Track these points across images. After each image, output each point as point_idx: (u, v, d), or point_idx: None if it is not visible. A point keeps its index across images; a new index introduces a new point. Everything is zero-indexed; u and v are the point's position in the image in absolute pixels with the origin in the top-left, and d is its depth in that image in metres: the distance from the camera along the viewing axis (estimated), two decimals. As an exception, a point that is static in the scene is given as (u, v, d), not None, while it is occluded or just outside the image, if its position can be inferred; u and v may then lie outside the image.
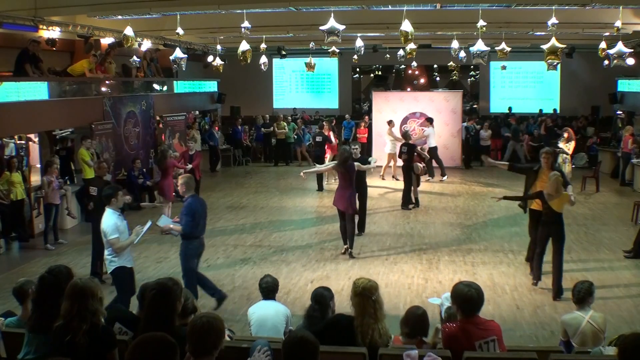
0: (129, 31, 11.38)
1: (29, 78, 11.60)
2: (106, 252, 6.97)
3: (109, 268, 7.01)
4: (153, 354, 3.15)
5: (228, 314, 7.45)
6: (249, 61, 12.35)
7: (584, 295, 5.29)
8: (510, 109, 23.59)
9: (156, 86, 17.39)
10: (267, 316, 5.48)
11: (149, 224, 7.11)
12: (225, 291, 8.50)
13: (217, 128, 20.18)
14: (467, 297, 4.23)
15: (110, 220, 6.83)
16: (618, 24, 11.05)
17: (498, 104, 24.25)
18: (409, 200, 13.66)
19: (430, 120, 17.58)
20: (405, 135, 14.72)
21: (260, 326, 5.44)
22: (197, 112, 21.76)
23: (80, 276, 4.17)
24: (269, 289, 5.69)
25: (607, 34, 14.15)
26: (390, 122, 17.31)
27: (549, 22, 10.86)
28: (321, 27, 10.26)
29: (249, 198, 15.20)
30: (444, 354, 4.16)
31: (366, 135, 19.42)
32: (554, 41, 10.79)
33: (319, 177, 15.99)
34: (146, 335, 3.28)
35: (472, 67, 26.59)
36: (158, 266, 9.74)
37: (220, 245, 10.96)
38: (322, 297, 5.06)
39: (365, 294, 4.41)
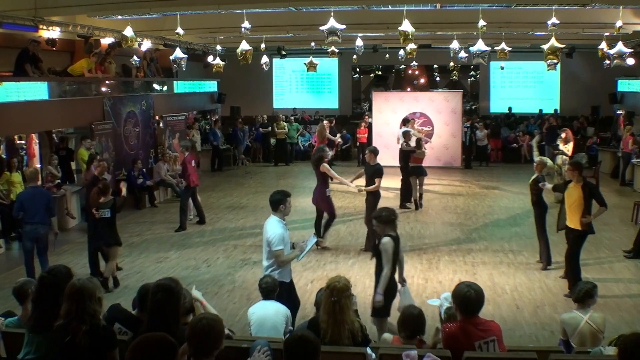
0: (128, 31, 11.38)
1: (29, 78, 11.60)
2: (266, 263, 6.36)
3: None
4: (153, 354, 3.15)
5: (228, 314, 7.46)
6: (249, 61, 12.35)
7: (583, 296, 5.30)
8: (510, 109, 23.62)
9: (156, 86, 17.39)
10: (267, 316, 5.48)
11: (314, 239, 6.62)
12: (225, 291, 8.54)
13: (218, 127, 20.09)
14: (465, 298, 4.26)
15: (277, 229, 6.22)
16: (619, 23, 11.03)
17: (498, 104, 24.26)
18: (406, 200, 13.60)
19: (404, 121, 17.13)
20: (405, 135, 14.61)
21: (260, 326, 5.44)
22: (195, 113, 21.79)
23: (79, 276, 4.16)
24: (268, 289, 5.68)
25: (607, 34, 14.15)
26: (407, 122, 16.39)
27: (549, 22, 10.85)
28: (321, 27, 10.27)
29: (249, 198, 15.19)
30: (444, 354, 4.16)
31: (366, 135, 19.41)
32: (553, 41, 10.79)
33: None
34: (146, 336, 3.28)
35: (472, 67, 26.60)
36: (158, 266, 9.73)
37: (220, 245, 10.96)
38: None
39: (327, 291, 4.45)
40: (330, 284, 4.49)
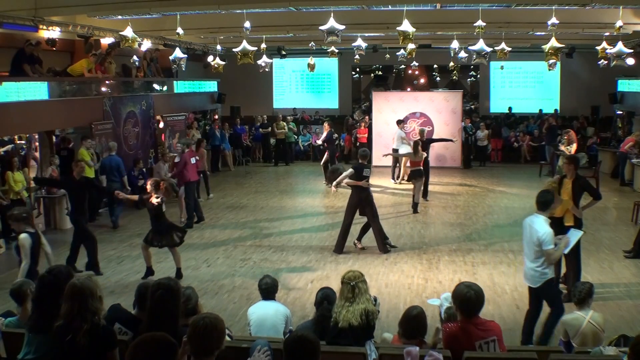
0: (128, 32, 11.37)
1: (29, 78, 11.60)
2: (534, 265, 6.22)
3: (539, 281, 6.26)
4: (153, 354, 3.15)
5: (228, 314, 7.46)
6: (252, 62, 12.35)
7: (584, 296, 5.32)
8: (510, 109, 23.61)
9: (156, 86, 17.39)
10: (267, 316, 5.49)
11: (579, 233, 6.52)
12: (225, 291, 8.55)
13: (217, 127, 19.91)
14: (465, 298, 4.27)
15: (548, 228, 6.10)
16: (619, 23, 11.02)
17: (498, 104, 24.24)
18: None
19: (399, 122, 17.10)
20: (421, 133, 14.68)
21: (260, 326, 5.45)
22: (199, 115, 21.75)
23: (78, 276, 4.16)
24: (268, 290, 5.68)
25: (607, 34, 14.15)
26: (400, 123, 16.95)
27: (549, 22, 10.85)
28: (321, 27, 10.26)
29: (249, 198, 15.20)
30: (444, 354, 4.17)
31: (366, 135, 19.41)
32: (553, 41, 10.77)
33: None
34: (146, 335, 3.29)
35: (472, 67, 26.57)
36: (158, 266, 9.71)
37: (220, 245, 10.96)
38: (333, 297, 5.09)
39: (344, 281, 4.85)
40: (345, 275, 4.90)
